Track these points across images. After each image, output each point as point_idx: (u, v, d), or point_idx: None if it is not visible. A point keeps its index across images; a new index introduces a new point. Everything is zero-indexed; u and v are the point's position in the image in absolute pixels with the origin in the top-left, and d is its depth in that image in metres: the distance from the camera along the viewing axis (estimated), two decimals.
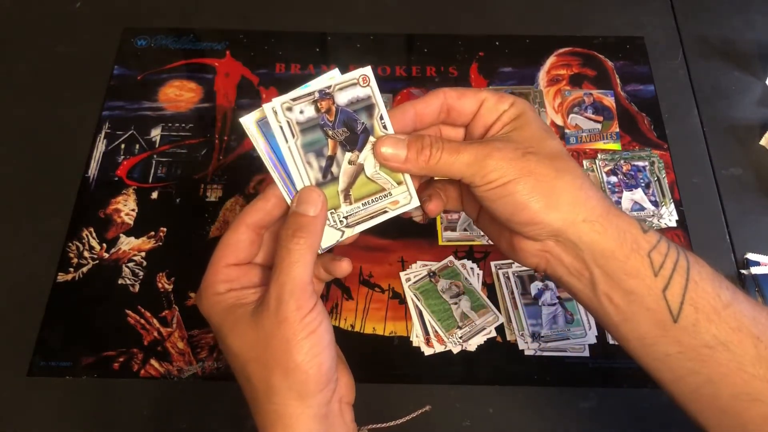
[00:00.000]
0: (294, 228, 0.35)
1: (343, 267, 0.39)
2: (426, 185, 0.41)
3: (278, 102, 0.36)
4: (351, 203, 0.38)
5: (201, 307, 0.37)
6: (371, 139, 0.37)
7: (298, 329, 0.34)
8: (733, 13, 0.80)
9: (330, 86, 0.36)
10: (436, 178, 0.42)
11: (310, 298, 0.35)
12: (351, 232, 0.39)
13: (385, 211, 0.39)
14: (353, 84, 0.36)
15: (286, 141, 0.36)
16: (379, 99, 0.37)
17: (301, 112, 0.36)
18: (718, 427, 0.34)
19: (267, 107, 0.36)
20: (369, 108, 0.37)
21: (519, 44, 0.77)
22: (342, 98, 0.36)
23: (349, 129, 0.37)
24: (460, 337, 0.58)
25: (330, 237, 0.38)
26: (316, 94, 0.36)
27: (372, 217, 0.39)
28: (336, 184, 0.37)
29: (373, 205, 0.39)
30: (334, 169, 0.37)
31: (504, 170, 0.34)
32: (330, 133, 0.36)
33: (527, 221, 0.35)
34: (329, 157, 0.37)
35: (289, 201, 0.37)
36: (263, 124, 0.36)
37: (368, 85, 0.36)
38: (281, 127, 0.36)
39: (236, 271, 0.37)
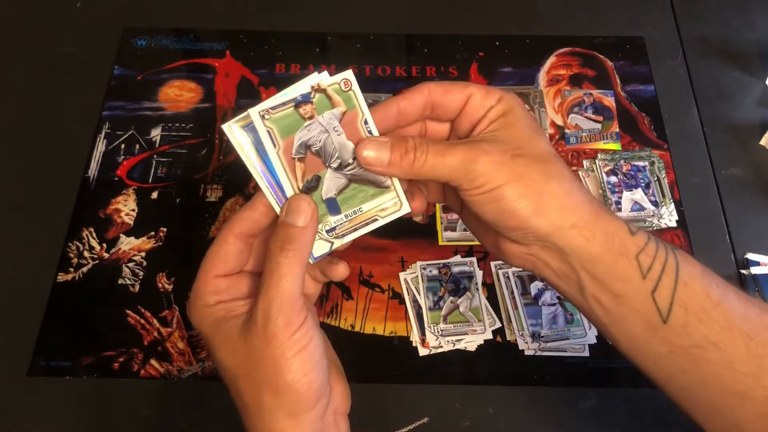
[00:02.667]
0: (282, 240, 0.34)
1: (340, 271, 0.39)
2: (405, 181, 0.40)
3: (265, 106, 0.35)
4: (446, 324, 0.58)
5: (191, 319, 0.37)
6: (467, 294, 0.59)
7: (287, 347, 0.33)
8: (733, 13, 0.80)
9: (449, 263, 0.60)
10: None
11: (299, 313, 0.33)
12: (340, 242, 0.38)
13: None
14: (464, 263, 0.60)
15: (274, 146, 0.35)
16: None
17: (431, 271, 0.61)
18: (711, 423, 0.35)
19: (253, 111, 0.35)
20: (469, 277, 0.60)
21: (519, 44, 0.77)
22: (455, 269, 0.60)
23: (455, 284, 0.59)
24: (456, 337, 0.58)
25: (319, 248, 0.37)
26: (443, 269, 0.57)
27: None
28: (440, 310, 0.59)
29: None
30: (442, 304, 0.58)
31: (492, 175, 0.33)
32: (443, 284, 0.60)
33: (515, 227, 0.34)
34: (440, 297, 0.59)
35: (277, 209, 0.36)
36: (248, 130, 0.35)
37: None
38: (269, 132, 0.35)
39: (225, 282, 0.37)
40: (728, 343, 0.32)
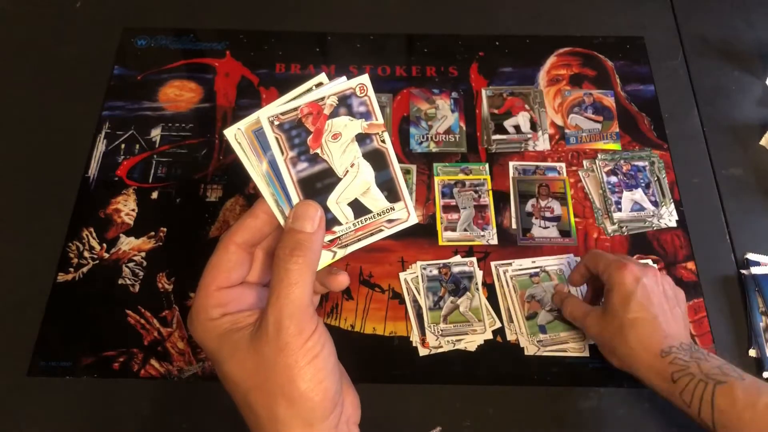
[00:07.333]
0: (291, 246, 0.33)
1: (340, 281, 0.38)
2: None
3: (274, 111, 0.33)
4: (446, 324, 0.59)
5: (194, 332, 0.36)
6: (467, 294, 0.60)
7: (300, 355, 0.32)
8: (733, 13, 0.80)
9: (449, 263, 0.61)
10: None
11: (310, 320, 0.33)
12: (343, 253, 0.37)
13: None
14: (464, 263, 0.61)
15: (282, 153, 0.34)
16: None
17: (431, 271, 0.61)
18: None
19: (263, 116, 0.33)
20: (469, 277, 0.61)
21: (519, 44, 0.77)
22: (455, 269, 0.61)
23: (455, 284, 0.60)
24: (456, 337, 0.58)
25: (322, 258, 0.36)
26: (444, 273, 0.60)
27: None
28: (440, 310, 0.59)
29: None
30: (442, 304, 0.59)
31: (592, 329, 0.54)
32: (443, 284, 0.60)
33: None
34: (440, 297, 0.60)
35: (280, 216, 0.35)
36: (258, 135, 0.34)
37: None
38: (277, 140, 0.34)
39: (229, 294, 0.36)
40: None
